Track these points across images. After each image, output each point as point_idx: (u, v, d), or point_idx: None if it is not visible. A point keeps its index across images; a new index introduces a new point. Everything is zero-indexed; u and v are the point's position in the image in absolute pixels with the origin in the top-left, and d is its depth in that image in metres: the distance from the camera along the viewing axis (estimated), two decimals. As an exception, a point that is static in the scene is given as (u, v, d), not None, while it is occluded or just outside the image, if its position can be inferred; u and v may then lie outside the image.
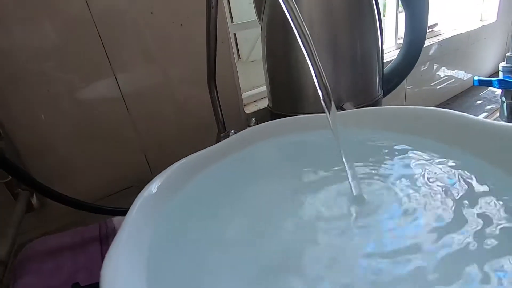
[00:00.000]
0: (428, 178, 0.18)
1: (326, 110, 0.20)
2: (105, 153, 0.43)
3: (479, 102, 0.87)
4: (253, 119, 0.40)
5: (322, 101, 0.20)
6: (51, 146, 0.38)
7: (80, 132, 0.40)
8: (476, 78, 0.72)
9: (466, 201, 0.16)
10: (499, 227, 0.15)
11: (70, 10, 0.35)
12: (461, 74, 1.04)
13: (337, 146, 0.18)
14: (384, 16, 0.85)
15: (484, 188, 0.17)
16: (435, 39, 0.90)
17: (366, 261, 0.14)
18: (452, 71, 0.99)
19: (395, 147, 0.21)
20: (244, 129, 0.29)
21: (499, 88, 0.70)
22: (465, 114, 0.20)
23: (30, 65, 0.34)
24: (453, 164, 0.19)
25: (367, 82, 0.44)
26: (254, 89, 0.66)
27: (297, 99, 0.44)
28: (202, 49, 0.45)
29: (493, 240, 0.14)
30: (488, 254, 0.13)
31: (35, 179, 0.26)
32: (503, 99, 0.72)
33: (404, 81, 0.53)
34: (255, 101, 0.62)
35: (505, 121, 0.76)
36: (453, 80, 1.02)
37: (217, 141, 0.39)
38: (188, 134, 0.49)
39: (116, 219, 0.31)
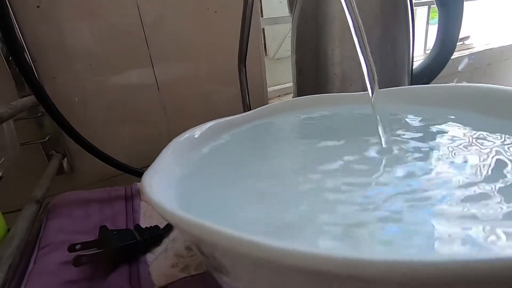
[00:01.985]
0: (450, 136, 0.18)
1: (369, 87, 0.21)
2: (134, 136, 0.44)
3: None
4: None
5: (367, 80, 0.22)
6: (83, 124, 0.40)
7: (112, 114, 0.42)
8: None
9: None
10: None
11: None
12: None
13: (373, 113, 0.19)
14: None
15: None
16: (466, 52, 0.88)
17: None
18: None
19: (423, 117, 0.21)
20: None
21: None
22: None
23: (78, 52, 0.37)
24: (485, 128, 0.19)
25: (396, 79, 0.44)
26: (279, 85, 0.67)
27: (324, 90, 0.44)
28: (232, 40, 0.46)
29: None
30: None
31: (79, 134, 0.28)
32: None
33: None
34: (279, 96, 0.62)
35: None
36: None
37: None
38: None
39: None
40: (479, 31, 0.93)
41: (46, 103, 0.25)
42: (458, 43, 0.94)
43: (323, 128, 0.23)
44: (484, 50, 0.89)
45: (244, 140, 0.22)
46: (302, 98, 0.28)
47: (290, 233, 0.13)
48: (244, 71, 0.37)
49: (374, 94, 0.22)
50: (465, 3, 0.47)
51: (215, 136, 0.21)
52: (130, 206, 0.28)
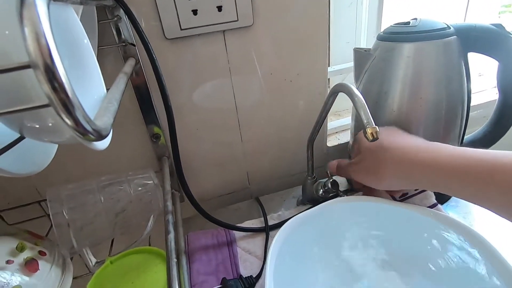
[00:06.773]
0: None
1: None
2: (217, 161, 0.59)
3: None
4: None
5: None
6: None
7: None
8: None
9: None
10: None
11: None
12: None
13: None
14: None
15: None
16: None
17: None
18: None
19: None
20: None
21: None
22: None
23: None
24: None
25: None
26: (336, 117, 0.75)
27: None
28: (303, 100, 0.56)
29: None
30: None
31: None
32: None
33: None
34: (336, 132, 0.71)
35: None
36: None
37: (305, 181, 0.52)
38: (280, 161, 0.63)
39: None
40: None
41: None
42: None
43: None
44: None
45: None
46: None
47: None
48: (311, 149, 0.48)
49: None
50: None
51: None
52: (231, 251, 0.44)
